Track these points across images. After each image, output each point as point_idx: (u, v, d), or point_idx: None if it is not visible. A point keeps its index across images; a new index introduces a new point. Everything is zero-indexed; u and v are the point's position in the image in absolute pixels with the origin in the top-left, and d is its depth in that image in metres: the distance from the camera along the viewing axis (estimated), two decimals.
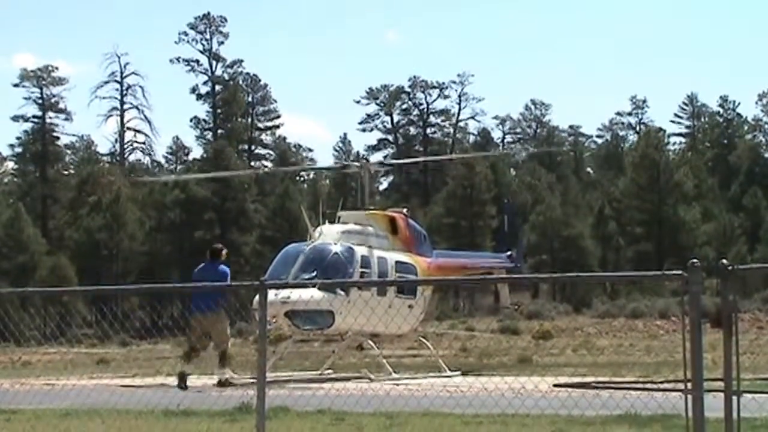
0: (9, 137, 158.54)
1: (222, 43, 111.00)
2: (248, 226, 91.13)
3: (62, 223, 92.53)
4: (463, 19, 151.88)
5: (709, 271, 8.51)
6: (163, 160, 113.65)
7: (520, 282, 72.48)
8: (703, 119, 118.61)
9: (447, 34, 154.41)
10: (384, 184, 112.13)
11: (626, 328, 63.83)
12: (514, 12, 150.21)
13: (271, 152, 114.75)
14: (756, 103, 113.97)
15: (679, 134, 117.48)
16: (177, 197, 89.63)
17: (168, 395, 15.63)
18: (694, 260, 8.32)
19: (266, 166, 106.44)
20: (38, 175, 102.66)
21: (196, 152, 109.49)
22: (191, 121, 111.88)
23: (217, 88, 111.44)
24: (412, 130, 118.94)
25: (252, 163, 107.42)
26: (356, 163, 33.71)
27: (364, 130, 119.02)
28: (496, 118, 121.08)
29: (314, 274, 24.33)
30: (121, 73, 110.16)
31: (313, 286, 22.79)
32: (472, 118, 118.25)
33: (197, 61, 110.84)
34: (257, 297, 10.53)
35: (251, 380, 18.93)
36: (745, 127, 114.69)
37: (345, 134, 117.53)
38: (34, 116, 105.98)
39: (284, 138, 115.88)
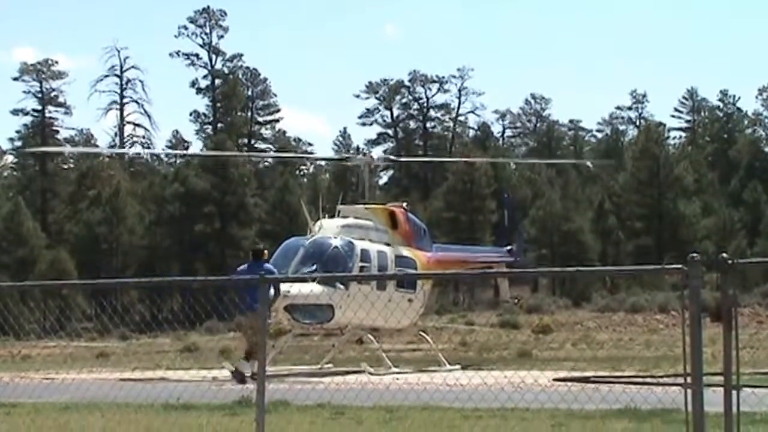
0: (9, 131, 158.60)
1: (222, 37, 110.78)
2: (248, 220, 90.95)
3: (62, 216, 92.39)
4: (462, 13, 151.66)
5: (708, 266, 8.48)
6: (162, 154, 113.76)
7: (519, 276, 72.56)
8: (703, 114, 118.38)
9: (447, 29, 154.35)
10: (384, 179, 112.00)
11: (626, 322, 63.77)
12: (514, 6, 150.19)
13: (271, 146, 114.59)
14: (756, 97, 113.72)
15: (679, 129, 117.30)
16: (176, 191, 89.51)
17: (168, 389, 15.63)
18: (694, 254, 8.31)
19: (267, 161, 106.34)
20: (38, 169, 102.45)
21: (196, 146, 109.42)
22: (191, 115, 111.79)
23: (217, 82, 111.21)
24: (412, 125, 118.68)
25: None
26: (360, 156, 33.59)
27: (363, 125, 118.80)
28: (496, 112, 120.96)
29: (314, 268, 24.35)
30: (121, 67, 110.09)
31: (313, 280, 22.79)
32: (472, 112, 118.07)
33: (197, 55, 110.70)
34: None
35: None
36: (745, 122, 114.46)
37: (345, 128, 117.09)
38: (33, 110, 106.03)
39: (284, 132, 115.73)
